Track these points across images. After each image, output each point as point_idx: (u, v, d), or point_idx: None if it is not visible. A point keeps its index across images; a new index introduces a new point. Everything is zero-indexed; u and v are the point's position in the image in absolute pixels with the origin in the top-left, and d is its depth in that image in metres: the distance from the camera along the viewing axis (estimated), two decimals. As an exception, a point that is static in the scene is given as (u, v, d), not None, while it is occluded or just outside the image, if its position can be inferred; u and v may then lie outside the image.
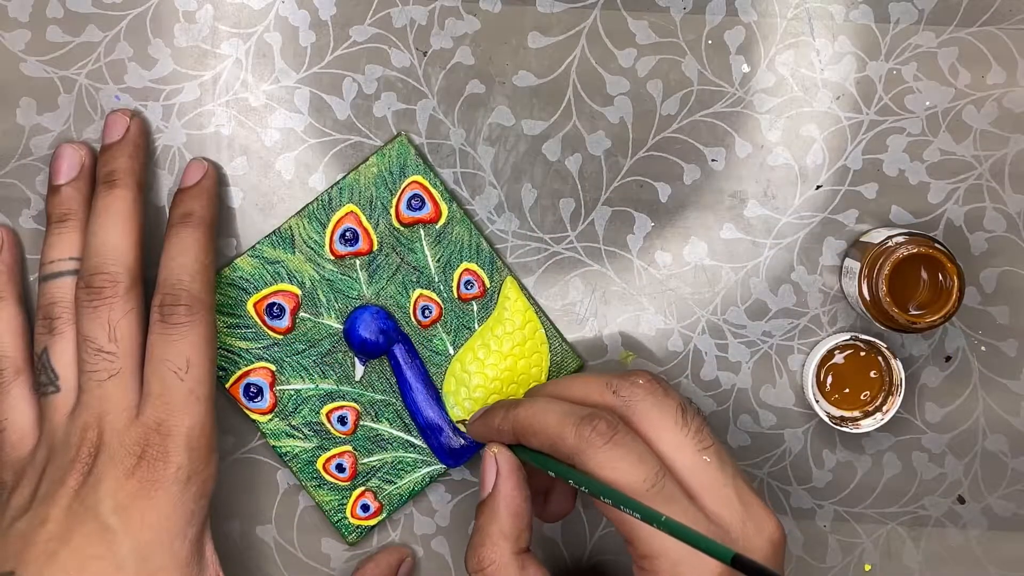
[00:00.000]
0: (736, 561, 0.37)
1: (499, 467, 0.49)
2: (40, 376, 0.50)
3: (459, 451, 0.54)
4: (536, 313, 0.54)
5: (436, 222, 0.54)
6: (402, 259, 0.54)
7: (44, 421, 0.49)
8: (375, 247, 0.54)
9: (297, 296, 0.54)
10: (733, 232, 0.55)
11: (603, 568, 0.56)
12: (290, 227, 0.54)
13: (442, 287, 0.54)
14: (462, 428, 0.54)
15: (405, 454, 0.55)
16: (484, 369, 0.54)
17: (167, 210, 0.54)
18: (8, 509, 0.48)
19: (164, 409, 0.48)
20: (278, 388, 0.54)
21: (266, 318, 0.54)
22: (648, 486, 0.44)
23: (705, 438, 0.46)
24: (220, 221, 0.54)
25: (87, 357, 0.49)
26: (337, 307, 0.54)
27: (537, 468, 0.49)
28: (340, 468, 0.54)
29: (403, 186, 0.54)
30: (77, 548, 0.46)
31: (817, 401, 0.54)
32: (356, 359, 0.54)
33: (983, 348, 0.55)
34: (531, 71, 0.54)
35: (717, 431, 0.55)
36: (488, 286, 0.54)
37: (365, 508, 0.55)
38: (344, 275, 0.54)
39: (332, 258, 0.54)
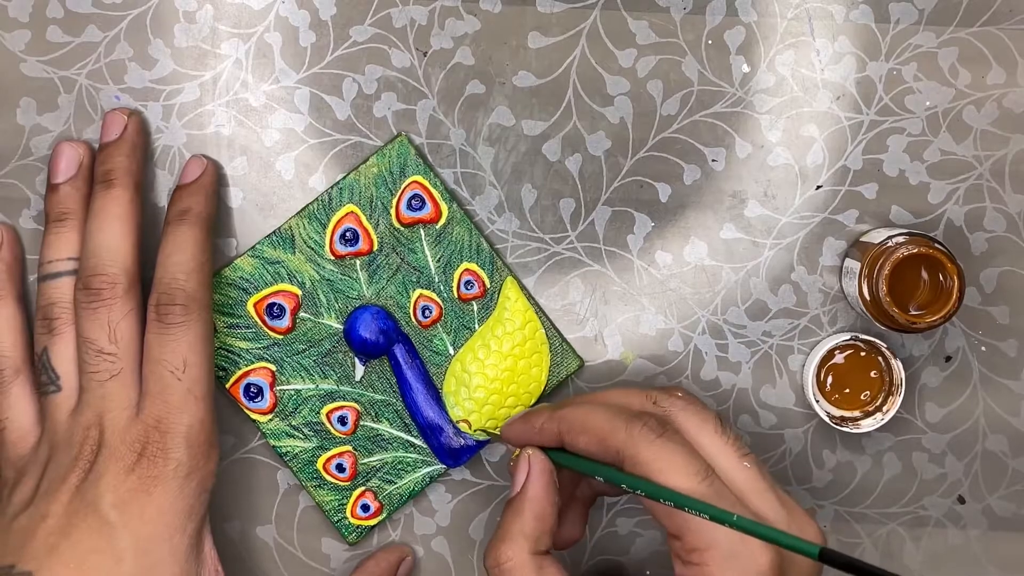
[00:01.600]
0: (824, 555, 0.38)
1: (531, 468, 0.48)
2: (41, 376, 0.50)
3: (459, 451, 0.54)
4: (536, 313, 0.54)
5: (436, 222, 0.54)
6: (402, 259, 0.54)
7: (45, 419, 0.50)
8: (375, 247, 0.54)
9: (297, 296, 0.54)
10: (733, 232, 0.55)
11: (606, 568, 0.56)
12: (290, 227, 0.54)
13: (442, 287, 0.54)
14: (464, 428, 0.54)
15: (405, 454, 0.55)
16: (484, 369, 0.54)
17: (167, 210, 0.54)
18: (10, 505, 0.48)
19: (163, 408, 0.48)
20: (278, 388, 0.54)
21: (266, 318, 0.54)
22: (699, 479, 0.44)
23: (743, 447, 0.47)
24: (220, 221, 0.54)
25: (88, 358, 0.49)
26: (337, 307, 0.54)
27: (571, 476, 0.48)
28: (340, 468, 0.54)
29: (403, 186, 0.54)
30: (77, 542, 0.46)
31: (817, 401, 0.54)
32: (356, 359, 0.54)
33: (983, 348, 0.55)
34: (531, 71, 0.54)
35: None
36: (488, 286, 0.54)
37: (365, 508, 0.55)
38: (344, 275, 0.54)
39: (332, 258, 0.54)
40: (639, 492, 0.44)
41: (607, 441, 0.46)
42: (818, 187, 0.55)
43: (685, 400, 0.48)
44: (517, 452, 0.49)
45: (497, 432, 0.54)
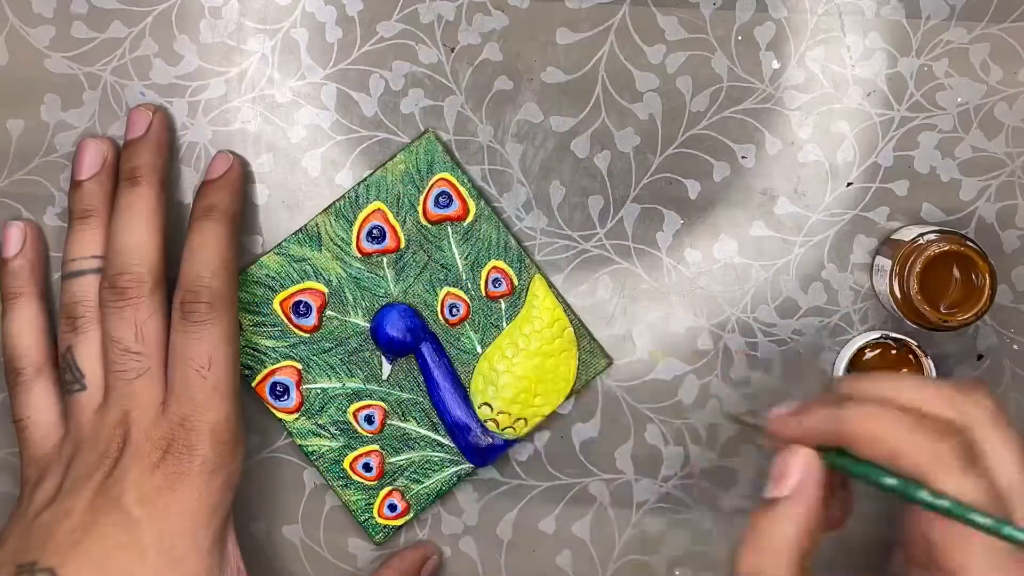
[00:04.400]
0: None
1: (807, 473, 0.42)
2: (65, 375, 0.50)
3: (487, 450, 0.54)
4: (564, 311, 0.54)
5: (464, 219, 0.54)
6: (429, 257, 0.54)
7: (69, 418, 0.49)
8: (402, 245, 0.54)
9: (324, 294, 0.53)
10: (763, 230, 0.54)
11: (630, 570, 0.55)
12: (317, 224, 0.53)
13: (470, 285, 0.54)
14: (491, 427, 0.54)
15: (432, 453, 0.54)
16: (512, 368, 0.54)
17: (193, 207, 0.53)
18: (32, 503, 0.48)
19: (188, 405, 0.48)
20: (304, 387, 0.54)
21: (292, 316, 0.53)
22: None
23: None
24: (246, 218, 0.54)
25: (115, 357, 0.48)
26: (364, 305, 0.54)
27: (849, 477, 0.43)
28: (367, 467, 0.54)
29: (430, 183, 0.53)
30: (101, 537, 0.46)
31: (848, 400, 0.53)
32: (383, 358, 0.54)
33: (1015, 347, 0.55)
34: (559, 67, 0.54)
35: (748, 431, 0.55)
36: (516, 284, 0.54)
37: (392, 508, 0.54)
38: (371, 273, 0.54)
39: (359, 256, 0.53)
40: (939, 511, 0.40)
41: (903, 459, 0.41)
42: (849, 184, 0.54)
43: (993, 413, 0.42)
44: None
45: (522, 434, 0.54)
